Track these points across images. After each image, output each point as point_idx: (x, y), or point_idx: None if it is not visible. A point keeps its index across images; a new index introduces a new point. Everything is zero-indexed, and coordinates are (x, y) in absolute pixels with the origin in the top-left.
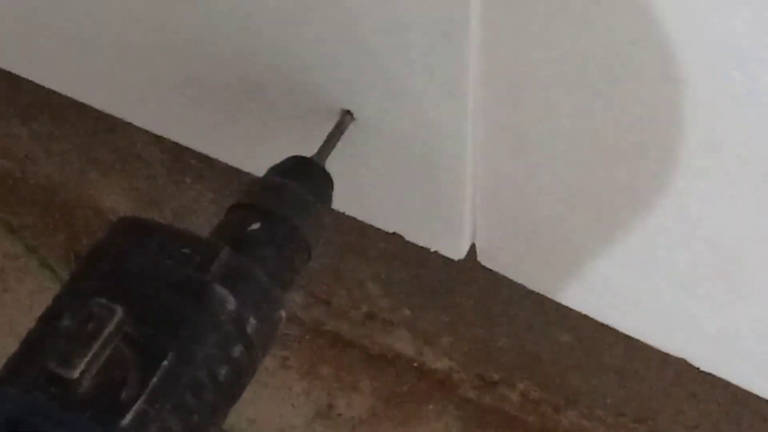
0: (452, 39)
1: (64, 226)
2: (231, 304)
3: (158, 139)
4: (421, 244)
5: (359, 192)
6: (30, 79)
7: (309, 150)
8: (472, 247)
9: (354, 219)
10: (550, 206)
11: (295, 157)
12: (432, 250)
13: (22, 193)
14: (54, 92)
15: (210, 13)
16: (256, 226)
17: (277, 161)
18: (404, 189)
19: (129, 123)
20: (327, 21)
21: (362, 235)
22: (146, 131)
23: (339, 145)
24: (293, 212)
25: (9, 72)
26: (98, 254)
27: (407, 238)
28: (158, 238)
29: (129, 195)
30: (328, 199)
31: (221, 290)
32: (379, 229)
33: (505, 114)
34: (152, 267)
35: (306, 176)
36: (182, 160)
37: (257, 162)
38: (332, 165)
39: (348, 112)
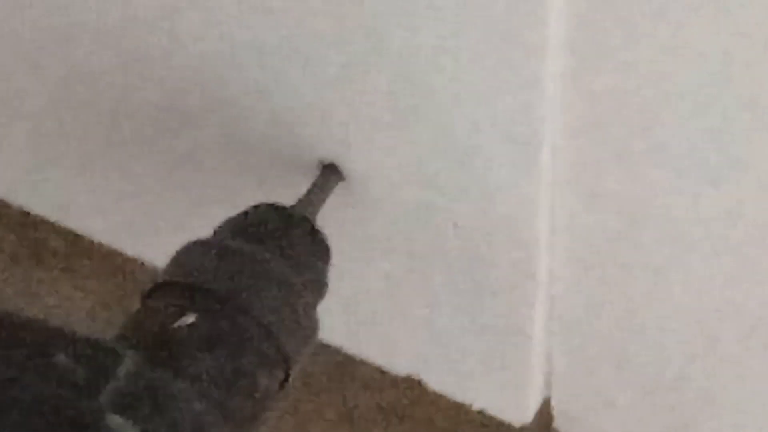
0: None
1: None
2: None
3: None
4: (461, 400)
5: (362, 316)
6: None
7: None
8: (543, 406)
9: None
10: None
11: (260, 206)
12: (475, 408)
13: None
14: None
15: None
16: (188, 318)
17: None
18: (438, 311)
19: None
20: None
21: (366, 387)
22: None
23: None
24: (254, 295)
25: None
26: None
27: (435, 388)
28: (24, 344)
29: None
30: (321, 275)
31: (119, 423)
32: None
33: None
34: (14, 389)
35: (280, 234)
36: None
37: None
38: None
39: (332, 166)
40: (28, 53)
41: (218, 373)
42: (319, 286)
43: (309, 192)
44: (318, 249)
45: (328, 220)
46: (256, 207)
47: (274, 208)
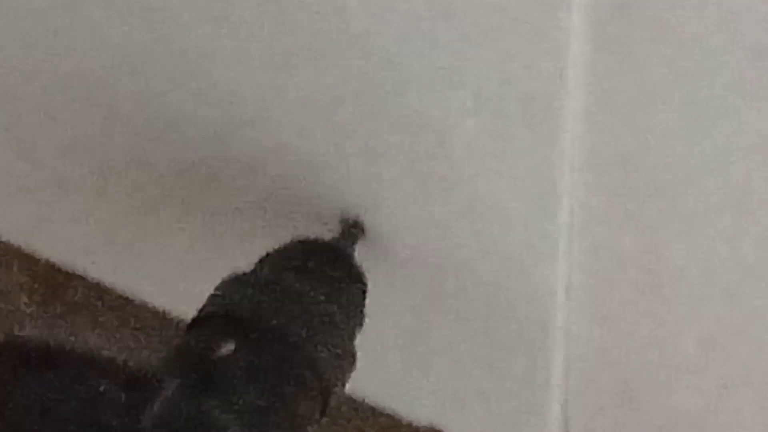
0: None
1: None
2: None
3: None
4: None
5: (384, 367)
6: None
7: None
8: None
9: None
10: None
11: (299, 239)
12: None
13: None
14: None
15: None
16: (228, 347)
17: None
18: (458, 362)
19: None
20: None
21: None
22: None
23: None
24: (294, 326)
25: None
26: None
27: None
28: (59, 371)
29: None
30: (359, 305)
31: None
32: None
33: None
34: (61, 412)
35: (319, 266)
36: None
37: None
38: None
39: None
40: (53, 99)
41: (259, 402)
42: (357, 316)
43: (342, 234)
44: (356, 280)
45: None
46: (294, 241)
47: (313, 242)
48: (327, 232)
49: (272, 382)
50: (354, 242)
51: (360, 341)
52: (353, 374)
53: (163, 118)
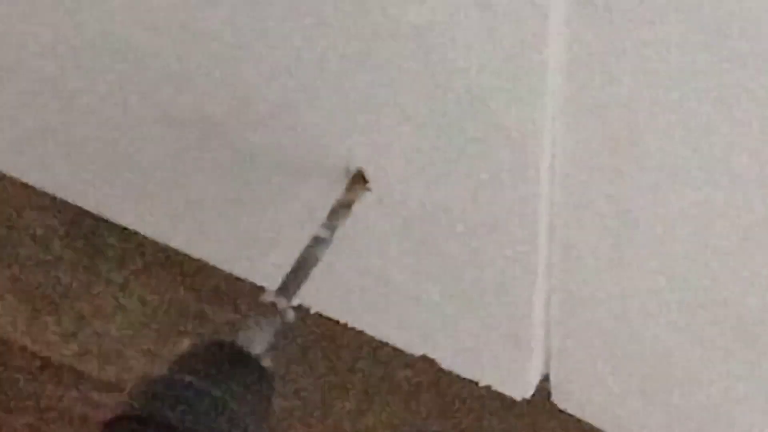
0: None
1: None
2: None
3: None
4: (467, 376)
5: (383, 304)
6: None
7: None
8: (541, 384)
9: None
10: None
11: (211, 342)
12: (482, 384)
13: None
14: None
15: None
16: None
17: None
18: (444, 292)
19: None
20: None
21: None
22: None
23: (351, 222)
24: (204, 427)
25: None
26: None
27: (444, 365)
28: None
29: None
30: (266, 407)
31: None
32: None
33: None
34: None
35: (228, 370)
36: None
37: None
38: (343, 254)
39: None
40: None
41: None
42: (262, 416)
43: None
44: (263, 383)
45: (355, 217)
46: (208, 344)
47: (222, 346)
48: (333, 183)
49: None
50: (344, 217)
51: (363, 280)
52: (358, 309)
53: (180, 78)
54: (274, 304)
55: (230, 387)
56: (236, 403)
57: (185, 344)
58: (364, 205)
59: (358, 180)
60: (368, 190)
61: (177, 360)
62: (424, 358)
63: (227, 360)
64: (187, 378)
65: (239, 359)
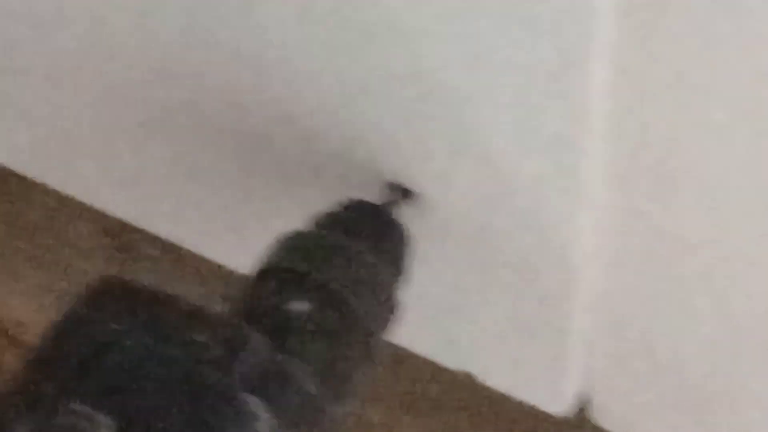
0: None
1: None
2: (264, 422)
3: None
4: (505, 391)
5: (412, 312)
6: None
7: None
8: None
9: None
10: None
11: (359, 202)
12: (520, 400)
13: None
14: None
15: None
16: (302, 305)
17: None
18: (483, 309)
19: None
20: None
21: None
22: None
23: None
24: (355, 290)
25: None
26: (70, 336)
27: (481, 380)
28: (160, 317)
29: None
30: (404, 272)
31: (251, 401)
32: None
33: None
34: (150, 361)
35: (377, 234)
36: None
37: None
38: None
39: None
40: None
41: (329, 360)
42: (403, 278)
43: (389, 199)
44: (406, 244)
45: None
46: (350, 203)
47: (368, 206)
48: (373, 196)
49: (340, 344)
50: (399, 205)
51: (405, 296)
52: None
53: (218, 83)
54: None
55: (368, 243)
56: (373, 256)
57: None
58: (408, 218)
59: (401, 193)
60: (413, 205)
61: (322, 217)
62: (460, 372)
63: (366, 217)
64: (336, 235)
65: (376, 215)
